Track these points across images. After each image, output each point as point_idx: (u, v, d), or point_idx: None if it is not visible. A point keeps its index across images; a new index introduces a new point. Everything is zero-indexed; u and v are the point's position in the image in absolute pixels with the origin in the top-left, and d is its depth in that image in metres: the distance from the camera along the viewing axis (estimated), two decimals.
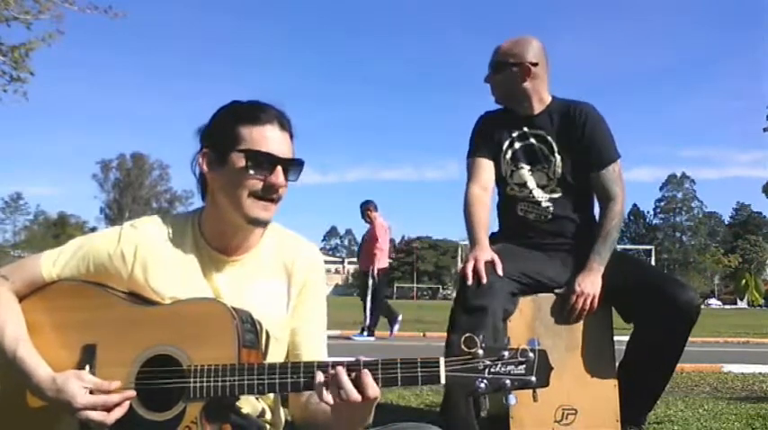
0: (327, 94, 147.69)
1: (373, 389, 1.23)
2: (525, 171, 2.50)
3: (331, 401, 1.24)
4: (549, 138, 2.49)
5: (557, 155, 2.48)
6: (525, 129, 2.51)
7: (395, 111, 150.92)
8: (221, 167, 1.39)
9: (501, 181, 2.55)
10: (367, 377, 1.23)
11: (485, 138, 2.55)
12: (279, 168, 1.38)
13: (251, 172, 1.36)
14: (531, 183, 2.49)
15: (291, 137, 1.44)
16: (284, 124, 1.42)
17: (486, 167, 2.52)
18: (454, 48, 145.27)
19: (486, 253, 2.30)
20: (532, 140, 2.50)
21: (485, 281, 2.21)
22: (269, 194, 1.38)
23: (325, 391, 1.24)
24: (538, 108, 2.52)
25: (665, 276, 2.48)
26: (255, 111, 1.40)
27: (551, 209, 2.48)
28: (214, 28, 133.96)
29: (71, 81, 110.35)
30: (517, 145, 2.51)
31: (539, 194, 2.49)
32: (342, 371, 1.24)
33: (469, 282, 2.21)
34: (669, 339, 2.28)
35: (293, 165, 1.41)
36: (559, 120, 2.50)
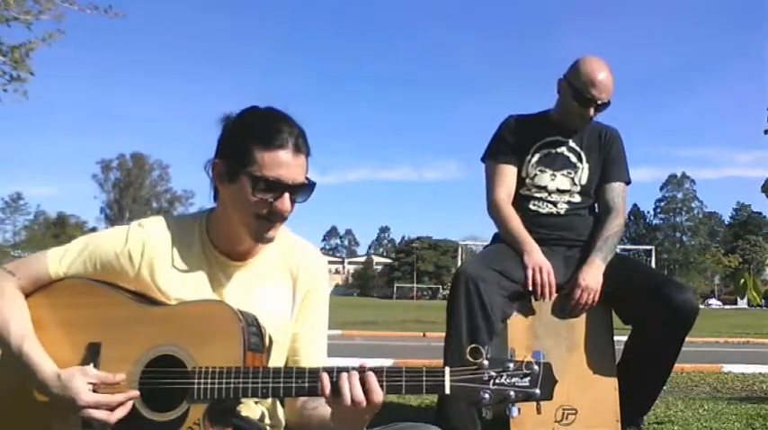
0: (326, 95, 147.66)
1: (378, 395, 1.24)
2: (548, 175, 2.52)
3: (348, 401, 1.23)
4: (579, 148, 2.54)
5: (585, 163, 2.53)
6: (558, 137, 2.54)
7: (393, 112, 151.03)
8: (231, 183, 1.38)
9: (519, 182, 2.55)
10: (373, 382, 1.24)
11: (510, 143, 2.56)
12: (286, 194, 1.36)
13: (258, 195, 1.35)
14: (552, 187, 2.52)
15: (308, 155, 1.41)
16: (300, 146, 1.38)
17: (510, 174, 2.54)
18: (453, 48, 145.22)
19: (546, 261, 2.35)
20: (564, 149, 2.54)
21: (552, 298, 2.34)
22: (274, 218, 1.38)
23: (333, 396, 1.24)
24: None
25: (664, 278, 2.50)
26: (272, 133, 1.36)
27: (566, 208, 2.52)
28: (214, 28, 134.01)
29: (71, 81, 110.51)
30: (545, 150, 2.54)
31: (557, 197, 2.52)
32: (355, 375, 1.24)
33: (547, 299, 2.33)
34: (667, 341, 2.29)
35: (301, 190, 1.39)
36: (589, 135, 2.57)
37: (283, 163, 1.35)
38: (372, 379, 1.24)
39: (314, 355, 1.53)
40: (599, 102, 2.44)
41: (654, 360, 2.34)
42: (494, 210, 2.51)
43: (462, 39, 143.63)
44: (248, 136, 1.37)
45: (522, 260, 2.37)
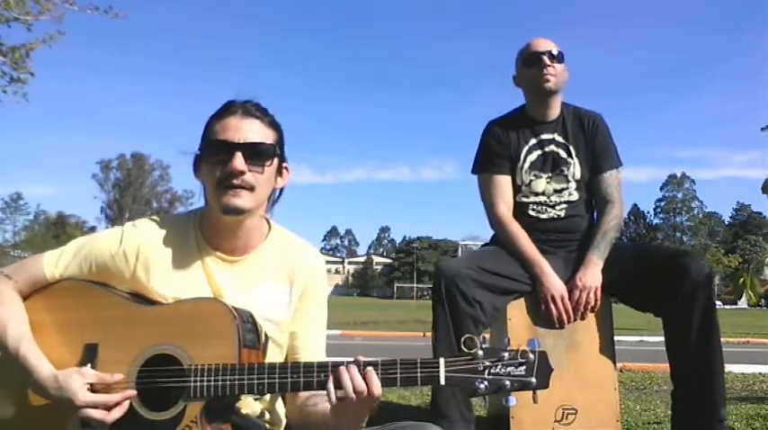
0: (322, 94, 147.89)
1: (377, 387, 1.23)
2: (543, 180, 2.48)
3: (334, 400, 1.23)
4: (566, 141, 2.50)
5: (574, 157, 2.49)
6: (543, 136, 2.50)
7: (388, 112, 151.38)
8: (201, 167, 1.42)
9: (514, 189, 2.51)
10: (372, 374, 1.23)
11: (499, 152, 2.51)
12: (237, 154, 1.36)
13: (212, 162, 1.38)
14: (549, 190, 2.48)
15: (269, 123, 1.42)
16: (250, 110, 1.41)
17: (506, 184, 2.49)
18: (450, 48, 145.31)
19: (560, 286, 2.33)
20: (552, 147, 2.49)
21: (571, 322, 2.32)
22: (229, 180, 1.37)
23: (333, 388, 1.23)
24: (555, 111, 2.52)
25: (666, 249, 2.44)
26: (224, 106, 1.42)
27: (566, 208, 2.49)
28: (214, 29, 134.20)
29: (71, 81, 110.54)
30: (535, 154, 2.49)
31: (555, 199, 2.48)
32: (354, 367, 1.24)
33: (566, 325, 2.32)
34: (695, 308, 2.16)
35: (254, 149, 1.38)
36: (572, 124, 2.52)
37: (231, 126, 1.38)
38: (371, 373, 1.24)
39: (312, 353, 1.52)
40: (546, 50, 2.44)
41: (695, 341, 2.17)
42: (498, 226, 2.47)
43: (459, 39, 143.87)
44: (208, 119, 1.42)
45: (535, 286, 2.34)
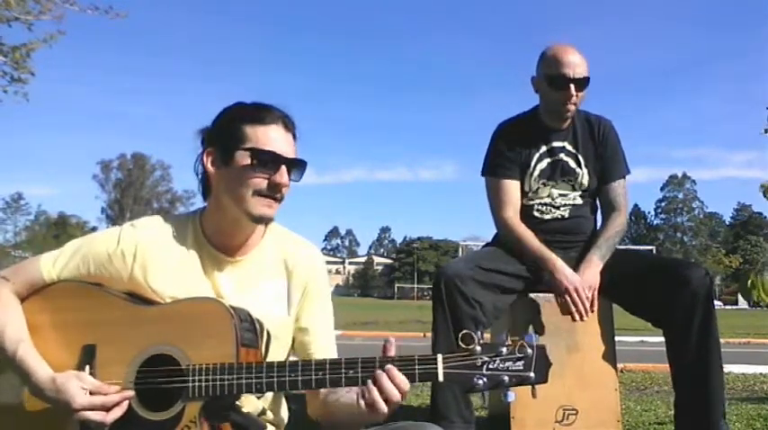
0: (321, 95, 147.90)
1: (406, 385, 1.23)
2: (549, 187, 2.48)
3: (383, 402, 1.23)
4: (576, 150, 2.49)
5: (583, 167, 2.48)
6: (554, 143, 2.48)
7: (384, 111, 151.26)
8: (226, 166, 1.40)
9: (522, 194, 2.50)
10: (398, 375, 1.23)
11: (509, 156, 2.48)
12: (283, 168, 1.39)
13: (256, 170, 1.38)
14: (555, 194, 2.49)
15: (295, 138, 1.45)
16: (288, 125, 1.43)
17: (514, 189, 2.48)
18: (450, 48, 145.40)
19: (576, 277, 2.29)
20: (562, 155, 2.48)
21: (589, 316, 2.26)
22: (273, 193, 1.40)
23: (374, 390, 1.22)
24: (568, 121, 2.49)
25: (667, 259, 2.45)
26: (261, 112, 1.42)
27: (570, 210, 2.49)
28: (214, 29, 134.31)
29: (71, 81, 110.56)
30: (545, 162, 2.48)
31: (560, 201, 2.49)
32: (393, 369, 1.23)
33: (585, 318, 2.25)
34: (695, 320, 2.15)
35: (297, 166, 1.43)
36: (582, 132, 2.50)
37: (276, 138, 1.40)
38: (396, 373, 1.23)
39: (324, 348, 1.53)
40: (575, 77, 2.36)
41: (695, 353, 2.16)
42: (506, 230, 2.45)
43: (458, 39, 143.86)
44: (238, 118, 1.42)
45: (551, 280, 2.31)
